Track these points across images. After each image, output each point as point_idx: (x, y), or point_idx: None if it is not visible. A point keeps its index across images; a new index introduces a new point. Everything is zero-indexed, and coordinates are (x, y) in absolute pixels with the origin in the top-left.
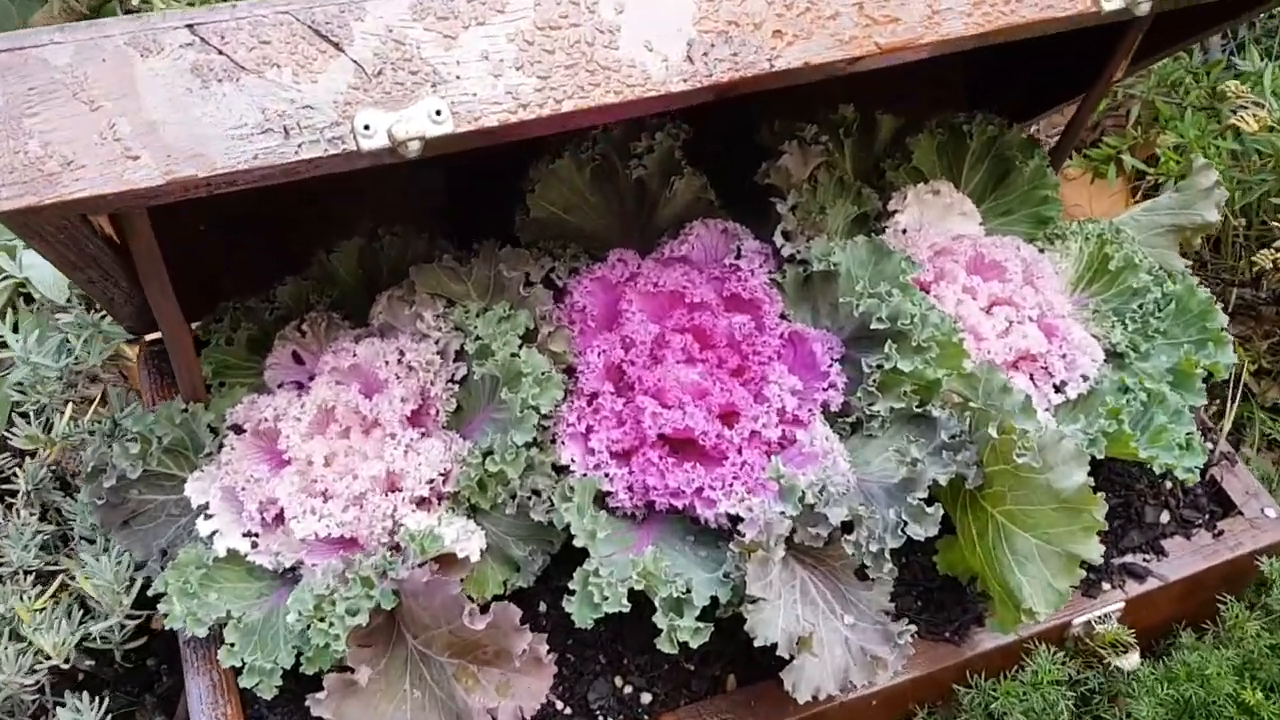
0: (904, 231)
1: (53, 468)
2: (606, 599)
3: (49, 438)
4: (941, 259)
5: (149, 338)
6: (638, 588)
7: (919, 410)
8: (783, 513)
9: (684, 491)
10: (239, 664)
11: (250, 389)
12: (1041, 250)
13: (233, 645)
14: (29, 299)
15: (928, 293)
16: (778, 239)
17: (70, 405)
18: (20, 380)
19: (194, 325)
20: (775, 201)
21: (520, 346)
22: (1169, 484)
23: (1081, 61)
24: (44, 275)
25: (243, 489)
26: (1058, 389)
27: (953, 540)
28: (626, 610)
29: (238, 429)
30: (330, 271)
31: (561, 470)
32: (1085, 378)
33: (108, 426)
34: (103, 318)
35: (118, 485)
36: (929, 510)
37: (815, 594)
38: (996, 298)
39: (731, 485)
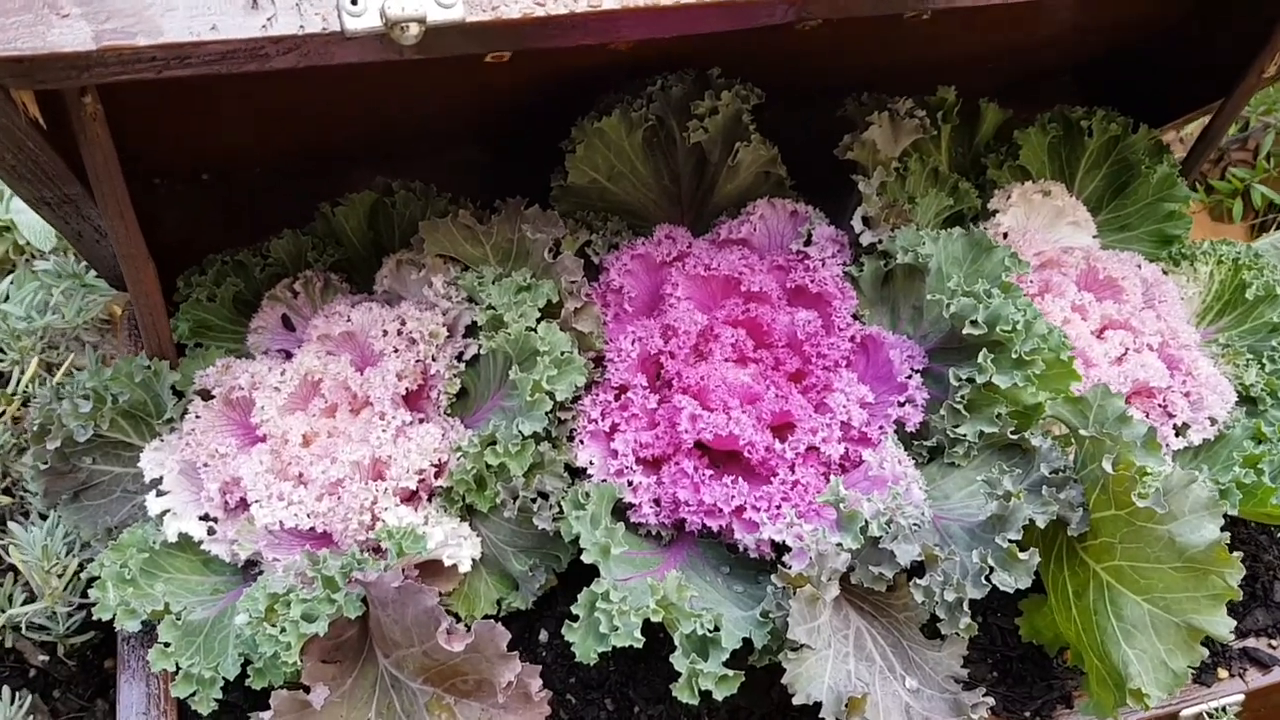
0: (1004, 236)
1: (16, 434)
2: (616, 630)
3: (4, 393)
4: (1048, 270)
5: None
6: (655, 619)
7: (1014, 438)
8: (839, 545)
9: (721, 510)
10: (173, 668)
11: (233, 354)
12: (1165, 272)
13: (167, 645)
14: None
15: None
16: (856, 224)
17: (36, 361)
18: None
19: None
20: (857, 179)
21: (539, 321)
22: None
23: (1215, 62)
24: (31, 220)
25: (204, 465)
26: (1179, 432)
27: (1041, 600)
28: (640, 646)
29: (205, 395)
30: (335, 229)
31: (577, 473)
32: (1213, 421)
33: (65, 384)
34: (87, 269)
35: (64, 449)
36: (1022, 556)
37: (873, 648)
38: (1111, 320)
39: (779, 507)
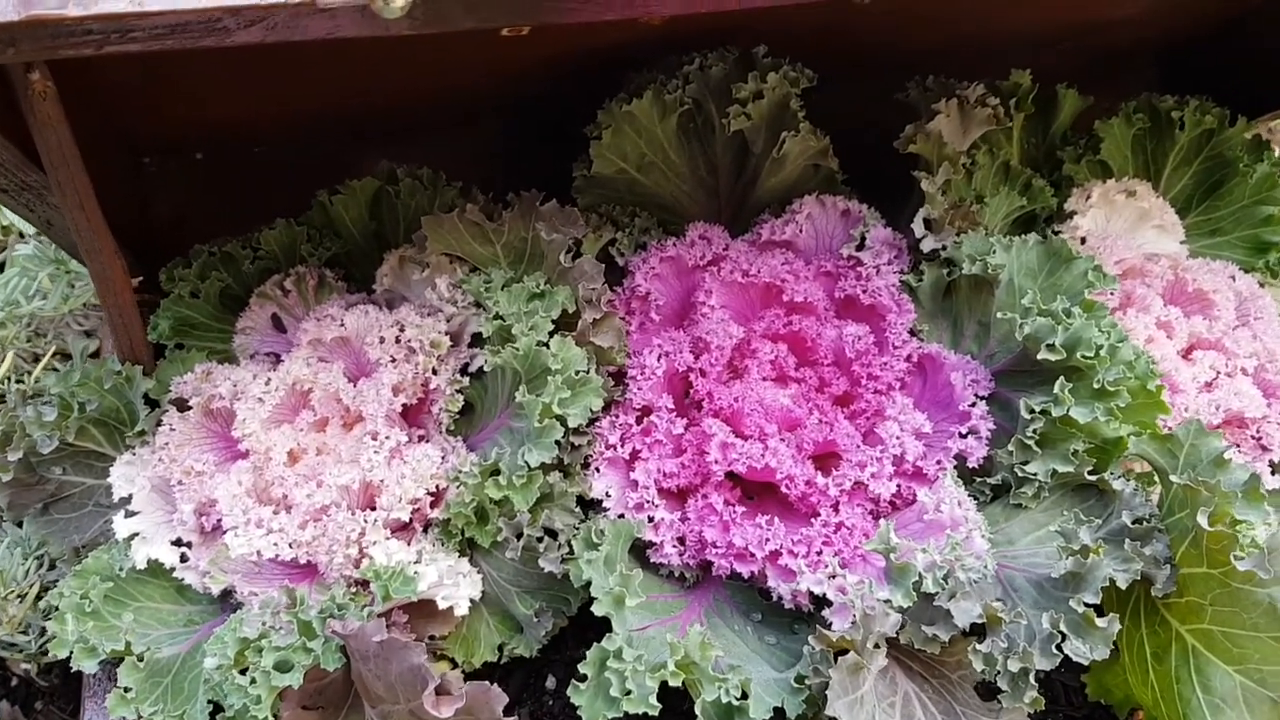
0: (1083, 240)
1: None
2: (629, 694)
3: None
4: (1131, 281)
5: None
6: (674, 683)
7: (1091, 478)
8: (888, 602)
9: (752, 554)
10: (133, 716)
11: (218, 357)
12: (1262, 284)
13: (127, 691)
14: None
15: None
16: (917, 227)
17: (11, 356)
18: None
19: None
20: (920, 177)
21: (553, 334)
22: None
23: None
24: None
25: (179, 483)
26: (1275, 469)
27: (1113, 659)
28: (655, 712)
29: (182, 404)
30: (333, 219)
31: (592, 504)
32: None
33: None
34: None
35: (30, 459)
36: (1100, 623)
37: (922, 716)
38: (1199, 339)
39: (820, 553)
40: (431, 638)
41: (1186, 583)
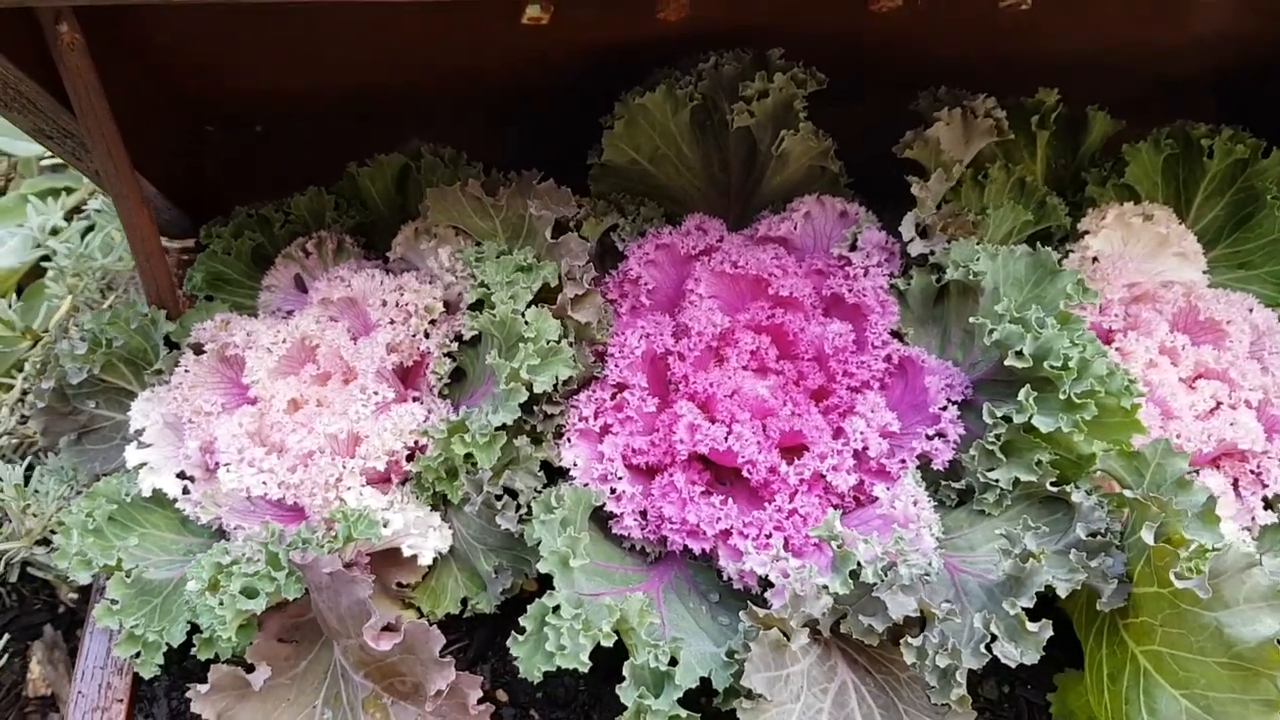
0: (1094, 260)
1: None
2: (564, 649)
3: (31, 330)
4: (1139, 305)
5: (177, 245)
6: (606, 643)
7: (1054, 490)
8: (825, 587)
9: (704, 532)
10: (116, 626)
11: (247, 312)
12: None
13: (114, 603)
14: None
15: (1109, 343)
16: (905, 230)
17: (69, 302)
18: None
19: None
20: (912, 181)
21: (532, 305)
22: None
23: None
24: None
25: (189, 421)
26: (1269, 505)
27: (1078, 678)
28: (586, 670)
29: (199, 349)
30: (360, 190)
31: (563, 476)
32: None
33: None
34: None
35: (64, 390)
36: (1031, 628)
37: (856, 707)
38: (1206, 368)
39: (769, 536)
40: (400, 585)
41: (1141, 602)
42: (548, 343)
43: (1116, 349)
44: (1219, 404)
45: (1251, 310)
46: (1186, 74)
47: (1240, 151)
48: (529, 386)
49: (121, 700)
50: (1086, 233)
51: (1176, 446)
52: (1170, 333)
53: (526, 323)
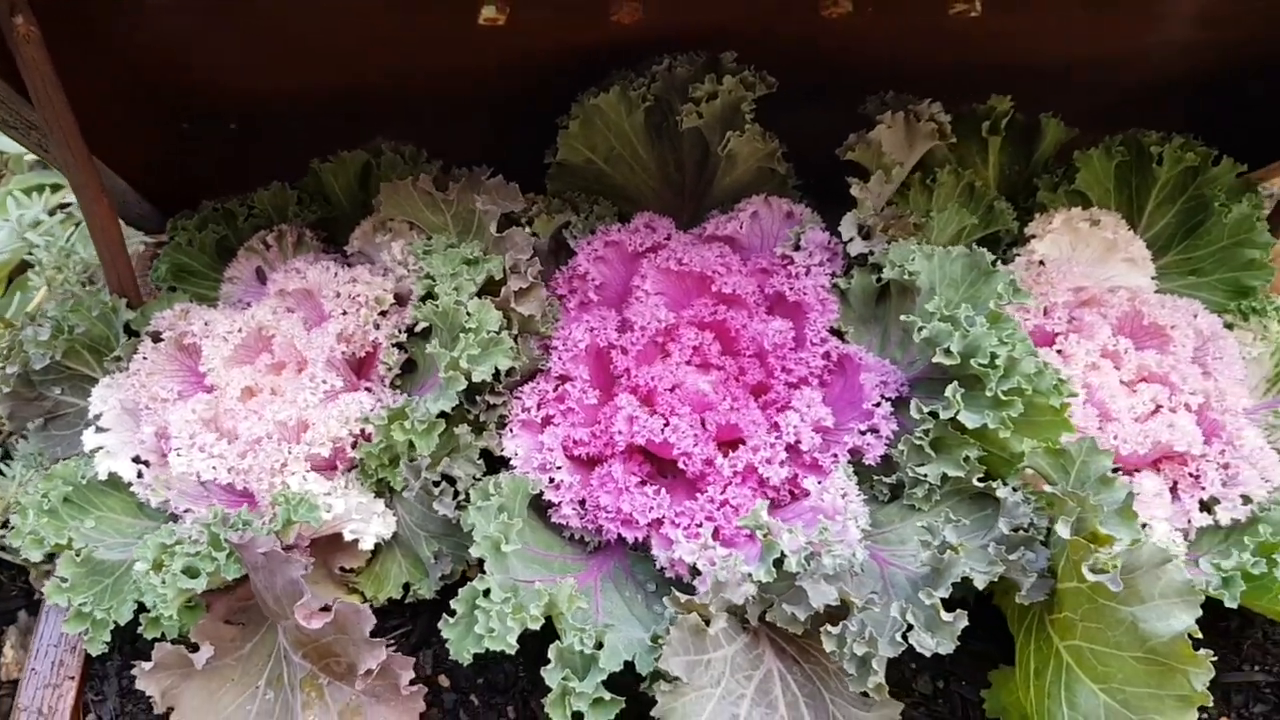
0: (1040, 264)
1: None
2: (493, 632)
3: (4, 320)
4: (1084, 309)
5: (153, 240)
6: (534, 626)
7: (979, 485)
8: (749, 575)
9: (637, 521)
10: (65, 604)
11: (210, 303)
12: (1230, 326)
13: (64, 580)
14: None
15: (1050, 345)
16: (845, 230)
17: (44, 291)
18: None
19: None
20: (852, 182)
21: (475, 296)
22: None
23: None
24: None
25: (145, 407)
26: (1206, 507)
27: (1011, 674)
28: (511, 651)
29: (156, 337)
30: (324, 185)
31: (504, 466)
32: (1247, 500)
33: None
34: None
35: (27, 375)
36: (946, 618)
37: (780, 695)
38: (1148, 372)
39: (699, 526)
40: (343, 570)
41: (1064, 597)
42: (488, 333)
43: (1058, 351)
44: (1159, 407)
45: (1196, 316)
46: (1154, 84)
47: (1190, 159)
48: (468, 375)
49: (73, 678)
50: (1033, 237)
51: (1113, 447)
52: (1113, 336)
53: (468, 314)
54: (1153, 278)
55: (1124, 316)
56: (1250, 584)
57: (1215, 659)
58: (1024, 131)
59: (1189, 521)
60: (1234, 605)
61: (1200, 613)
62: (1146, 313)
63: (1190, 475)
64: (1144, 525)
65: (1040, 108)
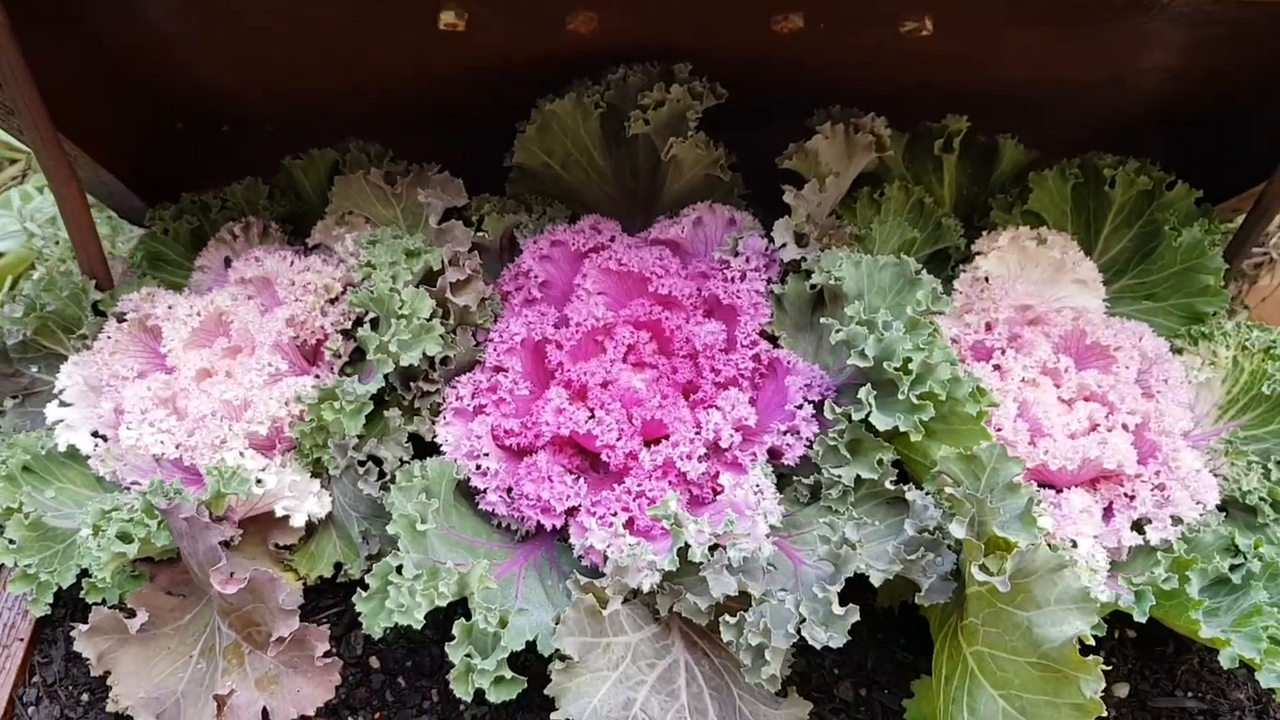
0: (985, 280)
1: None
2: (402, 607)
3: None
4: (1025, 327)
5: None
6: (442, 604)
7: (893, 489)
8: (653, 562)
9: (554, 508)
10: (11, 564)
11: (179, 290)
12: (1179, 351)
13: (12, 542)
14: None
15: (986, 360)
16: (778, 236)
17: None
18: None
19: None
20: (786, 189)
21: (411, 285)
22: None
23: None
24: None
25: (107, 384)
26: (1138, 527)
27: (931, 683)
28: (418, 626)
29: (120, 318)
30: (294, 181)
31: (432, 450)
32: (1177, 520)
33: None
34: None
35: (5, 352)
36: (838, 612)
37: (684, 685)
38: (1089, 391)
39: (614, 515)
40: (279, 547)
41: (970, 602)
42: (420, 320)
43: (995, 366)
44: (1095, 425)
45: (1142, 338)
46: (1135, 117)
47: (1144, 184)
48: (396, 360)
49: (22, 640)
50: (979, 254)
51: (1043, 462)
52: (1054, 354)
53: (402, 301)
54: (1105, 300)
55: (1067, 335)
56: (1164, 600)
57: (1150, 685)
58: (983, 152)
59: (1119, 540)
60: (1143, 620)
61: (1096, 620)
62: (1090, 332)
63: (1125, 495)
64: (1074, 543)
65: (1017, 134)
